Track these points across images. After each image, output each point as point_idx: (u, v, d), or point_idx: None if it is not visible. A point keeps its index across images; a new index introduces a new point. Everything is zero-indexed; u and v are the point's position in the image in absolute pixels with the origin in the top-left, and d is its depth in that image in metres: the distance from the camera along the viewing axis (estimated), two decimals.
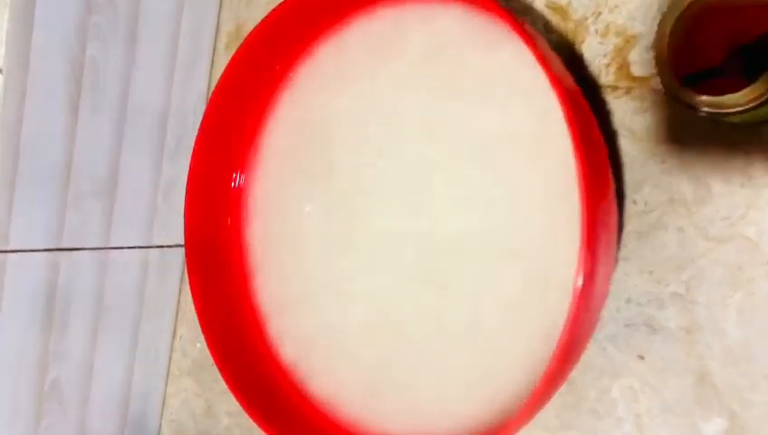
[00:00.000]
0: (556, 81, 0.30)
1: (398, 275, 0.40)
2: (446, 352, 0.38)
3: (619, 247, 0.40)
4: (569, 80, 0.33)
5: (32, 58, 0.48)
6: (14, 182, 0.49)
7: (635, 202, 0.40)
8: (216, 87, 0.44)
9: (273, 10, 0.41)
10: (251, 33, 0.43)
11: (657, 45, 0.33)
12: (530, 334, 0.34)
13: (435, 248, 0.38)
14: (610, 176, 0.34)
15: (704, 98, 0.32)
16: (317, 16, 0.41)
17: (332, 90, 0.42)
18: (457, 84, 0.38)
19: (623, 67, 0.40)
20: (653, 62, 0.35)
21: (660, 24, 0.33)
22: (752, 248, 0.36)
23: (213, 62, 0.61)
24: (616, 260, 0.40)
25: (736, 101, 0.32)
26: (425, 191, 0.39)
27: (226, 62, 0.46)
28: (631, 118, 0.40)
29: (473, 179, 0.37)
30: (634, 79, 0.40)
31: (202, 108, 0.59)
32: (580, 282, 0.28)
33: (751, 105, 0.32)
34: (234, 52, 0.44)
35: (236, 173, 0.46)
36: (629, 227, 0.40)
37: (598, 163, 0.32)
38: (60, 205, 0.52)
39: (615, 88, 0.40)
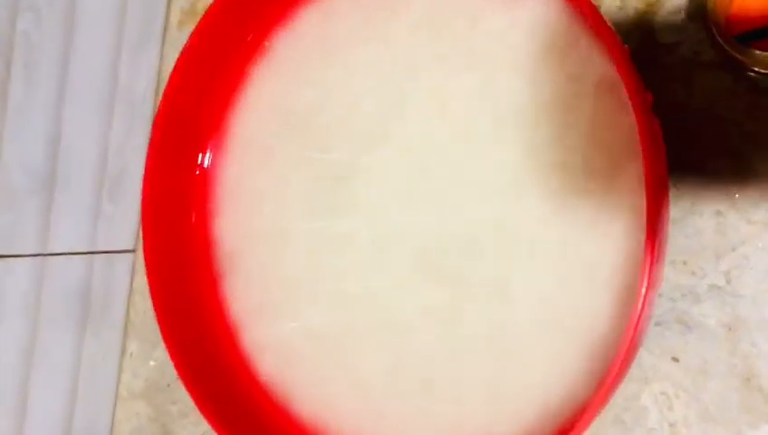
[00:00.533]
0: (607, 35, 0.25)
1: (401, 274, 0.34)
2: (460, 366, 0.33)
3: None
4: (623, 47, 0.28)
5: None
6: None
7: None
8: (179, 60, 0.38)
9: None
10: (205, 18, 0.37)
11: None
12: (565, 342, 0.29)
13: (447, 242, 0.33)
14: (665, 163, 0.30)
15: (758, 53, 0.28)
16: None
17: (318, 61, 0.37)
18: (470, 51, 0.32)
19: (648, 35, 0.36)
20: (683, 24, 0.31)
21: None
22: None
23: (164, 41, 0.54)
24: None
25: None
26: (433, 178, 0.33)
27: (180, 39, 0.40)
28: (659, 90, 0.35)
29: (493, 162, 0.32)
30: (660, 47, 0.36)
31: (152, 91, 0.52)
32: (645, 286, 0.24)
33: None
34: (189, 28, 0.38)
35: (201, 156, 0.40)
36: None
37: (656, 137, 0.27)
38: None
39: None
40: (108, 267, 0.53)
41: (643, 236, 0.26)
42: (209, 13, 0.37)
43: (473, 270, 0.32)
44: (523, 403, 0.31)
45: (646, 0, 0.36)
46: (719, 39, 0.29)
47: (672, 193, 0.35)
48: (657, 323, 0.36)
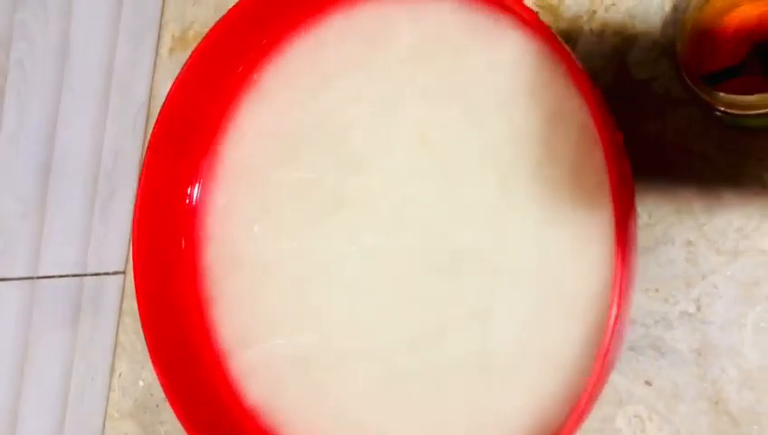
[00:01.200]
0: (580, 78, 0.26)
1: (386, 299, 0.35)
2: (445, 387, 0.34)
3: None
4: (592, 83, 0.29)
5: None
6: None
7: (638, 215, 0.37)
8: (170, 92, 0.39)
9: (238, 3, 0.37)
10: (210, 31, 0.38)
11: (678, 40, 0.30)
12: (543, 369, 0.31)
13: (430, 268, 0.34)
14: (633, 190, 0.31)
15: (729, 96, 0.30)
16: (288, 10, 0.37)
17: (306, 93, 0.38)
18: (454, 84, 0.34)
19: (623, 68, 0.37)
20: (653, 62, 0.32)
21: (681, 20, 0.30)
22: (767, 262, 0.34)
23: (155, 68, 0.55)
24: None
25: (756, 102, 0.29)
26: (416, 206, 0.35)
27: (171, 68, 0.41)
28: (632, 124, 0.37)
29: (473, 191, 0.33)
30: (634, 82, 0.37)
31: (143, 119, 0.53)
32: (615, 310, 0.25)
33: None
34: (181, 57, 0.39)
35: (191, 188, 0.41)
36: None
37: (625, 174, 0.29)
38: None
39: (616, 91, 0.38)
40: (98, 289, 0.54)
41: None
42: (200, 46, 0.38)
43: (455, 297, 0.33)
44: (504, 428, 0.32)
45: (621, 35, 0.38)
46: (686, 79, 0.30)
47: (645, 222, 0.37)
48: (631, 348, 0.37)
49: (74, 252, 0.52)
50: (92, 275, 0.53)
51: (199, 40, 0.39)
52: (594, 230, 0.29)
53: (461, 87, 0.34)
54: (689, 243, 0.36)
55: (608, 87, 0.38)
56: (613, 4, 0.38)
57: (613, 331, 0.25)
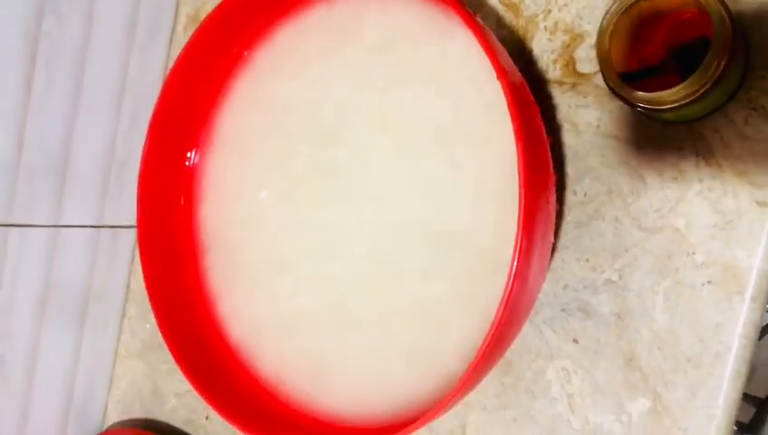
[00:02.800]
0: (502, 72, 0.31)
1: (347, 259, 0.41)
2: (390, 333, 0.39)
3: (558, 236, 0.42)
4: (515, 72, 0.34)
5: None
6: None
7: (575, 193, 0.41)
8: (173, 66, 0.45)
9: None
10: (210, 15, 0.43)
11: (599, 43, 0.35)
12: (471, 316, 0.36)
13: (385, 233, 0.39)
14: (550, 167, 0.36)
15: (639, 94, 0.34)
16: (277, 2, 0.42)
17: (289, 74, 0.43)
18: (410, 73, 0.39)
19: (569, 63, 0.42)
20: (596, 58, 0.36)
21: (603, 23, 0.35)
22: (680, 239, 0.38)
23: (171, 42, 0.61)
24: (555, 248, 0.42)
25: (668, 97, 0.34)
26: (376, 178, 0.40)
27: (185, 43, 0.46)
28: (575, 112, 0.42)
29: (422, 167, 0.38)
30: (579, 75, 0.42)
31: (158, 88, 0.59)
32: (515, 266, 0.30)
33: (681, 102, 0.34)
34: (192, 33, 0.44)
35: (191, 152, 0.47)
36: (570, 216, 0.42)
37: (538, 153, 0.33)
38: (10, 180, 0.52)
39: (561, 83, 0.42)
40: (113, 240, 0.60)
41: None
42: (199, 29, 0.43)
43: (403, 257, 0.39)
44: (435, 366, 0.38)
45: (571, 33, 0.42)
46: (605, 78, 0.35)
47: (581, 200, 0.41)
48: (563, 310, 0.42)
49: (93, 206, 0.58)
50: (108, 227, 0.60)
51: None
52: (512, 204, 0.34)
53: (417, 74, 0.39)
54: (617, 219, 0.40)
55: (557, 79, 0.42)
56: (565, 5, 0.42)
57: (512, 284, 0.30)
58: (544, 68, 0.43)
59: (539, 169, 0.33)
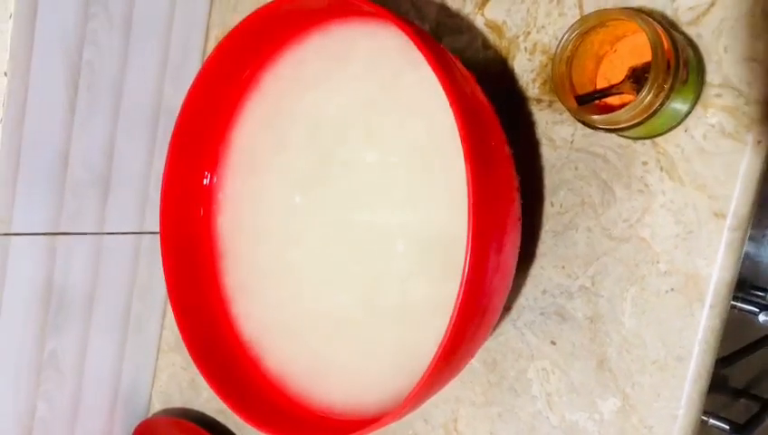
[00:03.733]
0: (453, 100, 0.34)
1: (340, 264, 0.45)
2: (377, 333, 0.43)
3: (537, 244, 0.45)
4: (473, 97, 0.37)
5: (33, 62, 0.54)
6: (16, 172, 0.55)
7: (552, 204, 0.44)
8: (190, 91, 0.49)
9: (241, 23, 0.46)
10: (221, 43, 0.48)
11: (554, 71, 0.37)
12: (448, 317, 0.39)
13: (371, 240, 0.43)
14: (512, 183, 0.39)
15: (594, 117, 0.37)
16: (279, 29, 0.46)
17: (292, 96, 0.47)
18: (392, 96, 0.42)
19: (547, 82, 0.45)
20: (553, 83, 0.39)
21: (558, 50, 0.37)
22: (646, 248, 0.40)
23: (202, 62, 0.66)
24: (534, 255, 0.45)
25: (618, 118, 0.36)
26: (365, 187, 0.44)
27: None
28: (551, 128, 0.44)
29: (403, 182, 0.42)
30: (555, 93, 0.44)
31: None
32: (465, 275, 0.33)
33: (633, 122, 0.36)
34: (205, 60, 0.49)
35: (209, 168, 0.52)
36: (547, 226, 0.44)
37: (494, 175, 0.36)
38: (58, 192, 0.58)
39: (539, 101, 0.45)
40: (153, 244, 0.66)
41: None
42: (212, 55, 0.48)
43: (387, 262, 0.42)
44: (417, 364, 0.41)
45: (547, 54, 0.45)
46: (561, 102, 0.37)
47: (557, 211, 0.44)
48: (542, 314, 0.45)
49: (134, 214, 0.64)
50: (149, 233, 0.66)
51: None
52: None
53: (398, 97, 0.42)
54: (589, 229, 0.43)
55: (535, 96, 0.45)
56: (543, 27, 0.45)
57: (465, 291, 0.33)
58: (524, 86, 0.45)
59: (494, 190, 0.36)
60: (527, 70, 0.45)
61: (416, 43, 0.36)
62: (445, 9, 0.49)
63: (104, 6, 0.57)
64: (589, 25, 0.37)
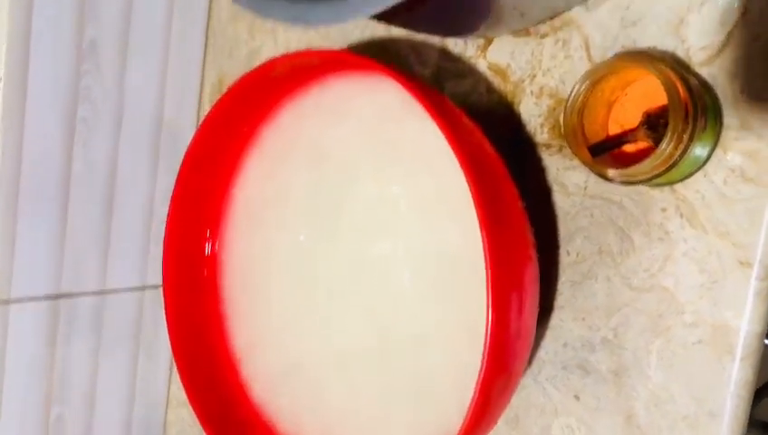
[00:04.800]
0: (459, 152, 0.33)
1: (349, 318, 0.43)
2: (392, 389, 0.41)
3: (555, 296, 0.43)
4: (482, 152, 0.36)
5: (27, 120, 0.53)
6: (14, 235, 0.54)
7: (568, 253, 0.42)
8: (188, 149, 0.48)
9: (240, 79, 0.45)
10: (218, 102, 0.46)
11: (566, 123, 0.36)
12: (464, 374, 0.37)
13: (383, 294, 0.42)
14: (527, 241, 0.37)
15: (612, 172, 0.35)
16: (276, 84, 0.45)
17: (292, 151, 0.46)
18: (397, 148, 0.41)
19: (555, 127, 0.43)
20: (565, 135, 0.37)
21: (570, 102, 0.36)
22: (669, 298, 0.39)
23: (199, 112, 0.65)
24: (552, 307, 0.43)
25: (636, 172, 0.34)
26: (375, 239, 0.42)
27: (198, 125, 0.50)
28: (563, 174, 0.43)
29: (414, 234, 0.40)
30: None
31: None
32: (489, 334, 0.32)
33: (652, 175, 0.35)
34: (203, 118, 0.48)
35: (210, 232, 0.50)
36: (564, 276, 0.43)
37: (509, 229, 0.35)
38: (58, 251, 0.56)
39: (549, 146, 0.43)
40: (157, 298, 0.64)
41: None
42: (212, 112, 0.46)
43: (400, 315, 0.41)
44: (438, 420, 0.40)
45: (555, 97, 0.43)
46: (576, 156, 0.36)
47: (573, 260, 0.42)
48: (564, 367, 0.43)
49: (135, 269, 0.62)
50: (152, 287, 0.64)
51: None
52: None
53: (403, 149, 0.41)
54: (608, 279, 0.41)
55: (544, 142, 0.44)
56: (548, 70, 0.43)
57: (490, 350, 0.32)
58: (533, 131, 0.44)
59: (509, 247, 0.35)
60: (534, 114, 0.44)
61: (419, 100, 0.35)
62: (446, 53, 0.48)
63: (96, 65, 0.56)
64: (599, 75, 0.35)
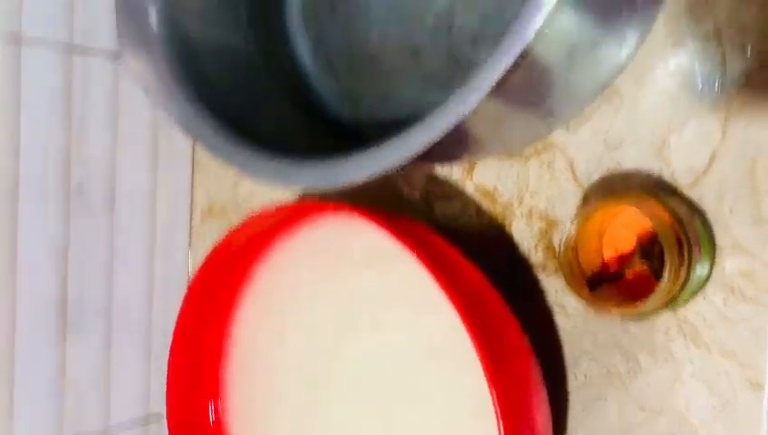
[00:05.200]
0: (455, 301, 0.33)
1: None
2: None
3: (566, 419, 0.43)
4: (477, 290, 0.36)
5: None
6: (12, 393, 0.53)
7: (576, 376, 0.42)
8: (188, 290, 0.47)
9: (229, 233, 0.45)
10: (215, 249, 0.46)
11: (563, 259, 0.36)
12: None
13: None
14: (534, 376, 0.37)
15: (614, 310, 0.35)
16: (271, 227, 0.45)
17: (288, 293, 0.46)
18: (391, 285, 0.41)
19: (549, 248, 0.43)
20: (561, 273, 0.38)
21: (563, 241, 0.36)
22: (682, 421, 0.38)
23: (191, 235, 0.65)
24: (565, 430, 0.43)
25: (638, 310, 0.35)
26: (371, 376, 0.43)
27: (203, 232, 0.50)
28: (562, 296, 0.43)
29: (407, 368, 0.40)
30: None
31: (184, 279, 0.63)
32: None
33: (656, 307, 0.35)
34: (210, 224, 0.48)
35: (214, 365, 0.50)
36: (574, 399, 0.42)
37: (516, 372, 0.35)
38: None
39: (545, 267, 0.43)
40: (161, 425, 0.63)
41: None
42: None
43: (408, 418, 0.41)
44: None
45: (545, 219, 0.43)
46: (576, 290, 0.36)
47: (582, 382, 0.42)
48: None
49: (139, 398, 0.62)
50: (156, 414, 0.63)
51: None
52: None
53: (397, 287, 0.41)
54: (619, 400, 0.41)
55: (540, 263, 0.44)
56: (536, 192, 0.44)
57: None
58: (527, 253, 0.44)
59: (515, 385, 0.35)
60: (527, 236, 0.44)
61: (407, 247, 0.35)
62: (433, 176, 0.48)
63: (87, 208, 0.56)
64: (588, 215, 0.35)
